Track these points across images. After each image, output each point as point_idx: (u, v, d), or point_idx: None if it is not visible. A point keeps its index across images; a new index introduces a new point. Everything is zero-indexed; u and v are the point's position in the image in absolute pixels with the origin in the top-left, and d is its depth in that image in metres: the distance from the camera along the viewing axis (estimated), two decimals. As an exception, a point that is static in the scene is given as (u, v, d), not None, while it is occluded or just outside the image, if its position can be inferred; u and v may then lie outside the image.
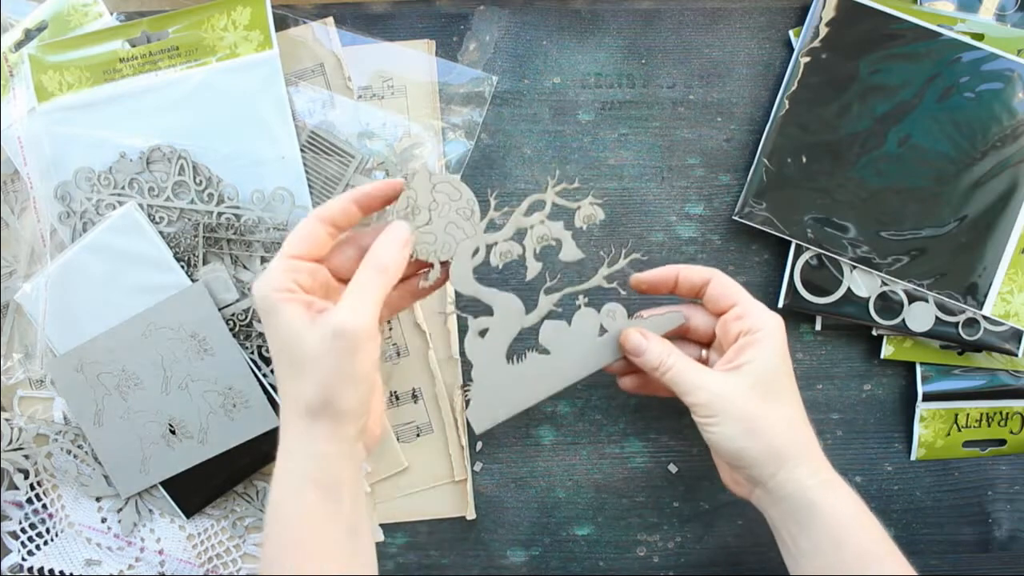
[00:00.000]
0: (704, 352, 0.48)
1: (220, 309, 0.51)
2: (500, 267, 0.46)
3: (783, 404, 0.43)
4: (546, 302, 0.47)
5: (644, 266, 0.49)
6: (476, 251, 0.45)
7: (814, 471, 0.42)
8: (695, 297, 0.47)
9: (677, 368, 0.44)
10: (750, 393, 0.42)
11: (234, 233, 0.51)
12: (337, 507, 0.38)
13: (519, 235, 0.46)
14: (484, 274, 0.46)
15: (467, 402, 0.47)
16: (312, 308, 0.39)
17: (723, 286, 0.45)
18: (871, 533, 0.41)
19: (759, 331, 0.43)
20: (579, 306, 0.47)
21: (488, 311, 0.47)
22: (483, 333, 0.46)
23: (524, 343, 0.47)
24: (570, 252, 0.47)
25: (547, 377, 0.47)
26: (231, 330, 0.51)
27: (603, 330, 0.47)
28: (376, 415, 0.43)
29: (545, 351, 0.47)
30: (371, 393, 0.40)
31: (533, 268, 0.47)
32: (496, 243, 0.46)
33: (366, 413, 0.40)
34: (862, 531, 0.41)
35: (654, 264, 0.48)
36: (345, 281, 0.41)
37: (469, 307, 0.48)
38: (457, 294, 0.47)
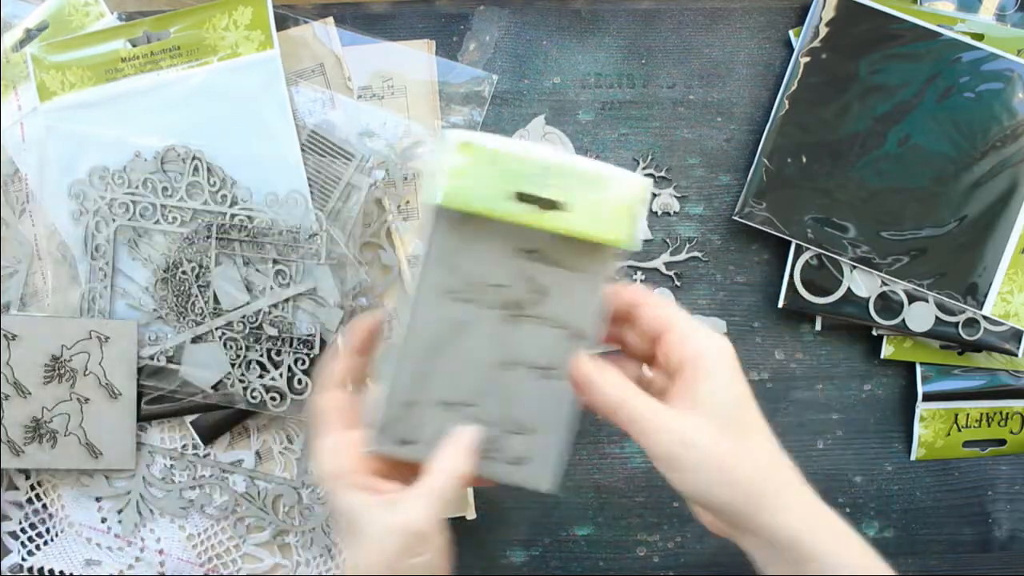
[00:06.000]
0: (646, 369, 0.42)
1: (229, 312, 0.51)
2: None
3: (755, 439, 0.37)
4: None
5: (706, 265, 0.51)
6: None
7: (801, 516, 0.37)
8: (624, 323, 0.42)
9: (633, 408, 0.37)
10: (713, 436, 0.36)
11: (246, 235, 0.51)
12: None
13: None
14: None
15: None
16: (373, 489, 0.39)
17: (653, 309, 0.40)
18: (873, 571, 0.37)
19: (706, 359, 0.37)
20: (635, 280, 0.47)
21: None
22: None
23: None
24: (642, 230, 0.46)
25: None
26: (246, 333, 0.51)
27: None
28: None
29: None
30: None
31: None
32: None
33: None
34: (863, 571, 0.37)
35: (714, 263, 0.50)
36: None
37: None
38: None
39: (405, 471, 0.40)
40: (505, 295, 0.41)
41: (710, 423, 0.36)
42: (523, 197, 0.38)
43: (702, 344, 0.38)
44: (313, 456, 0.40)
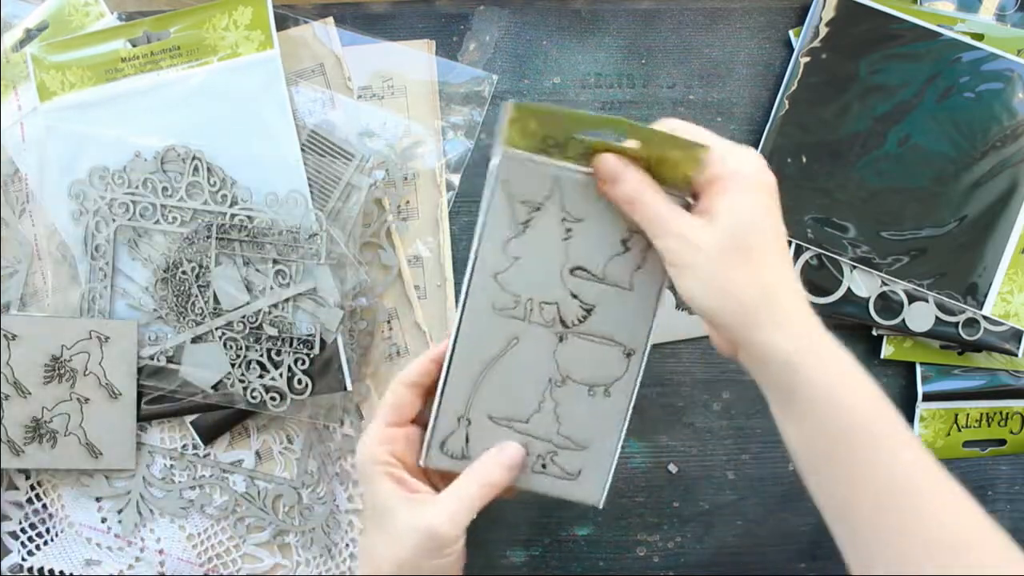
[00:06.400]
0: (691, 200, 0.40)
1: (229, 312, 0.51)
2: None
3: (761, 267, 0.36)
4: None
5: None
6: None
7: (795, 336, 0.36)
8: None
9: (650, 205, 0.37)
10: (722, 247, 0.36)
11: (247, 235, 0.51)
12: None
13: None
14: None
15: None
16: (404, 485, 0.40)
17: (694, 132, 0.39)
18: (860, 393, 0.36)
19: (737, 178, 0.37)
20: None
21: None
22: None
23: None
24: None
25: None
26: (241, 331, 0.51)
27: None
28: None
29: None
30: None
31: None
32: None
33: None
34: (849, 392, 0.36)
35: None
36: None
37: None
38: None
39: (437, 478, 0.42)
40: (554, 312, 0.42)
41: (723, 234, 0.36)
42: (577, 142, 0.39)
43: (740, 164, 0.38)
44: (360, 440, 0.41)
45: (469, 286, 0.41)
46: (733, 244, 0.36)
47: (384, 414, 0.41)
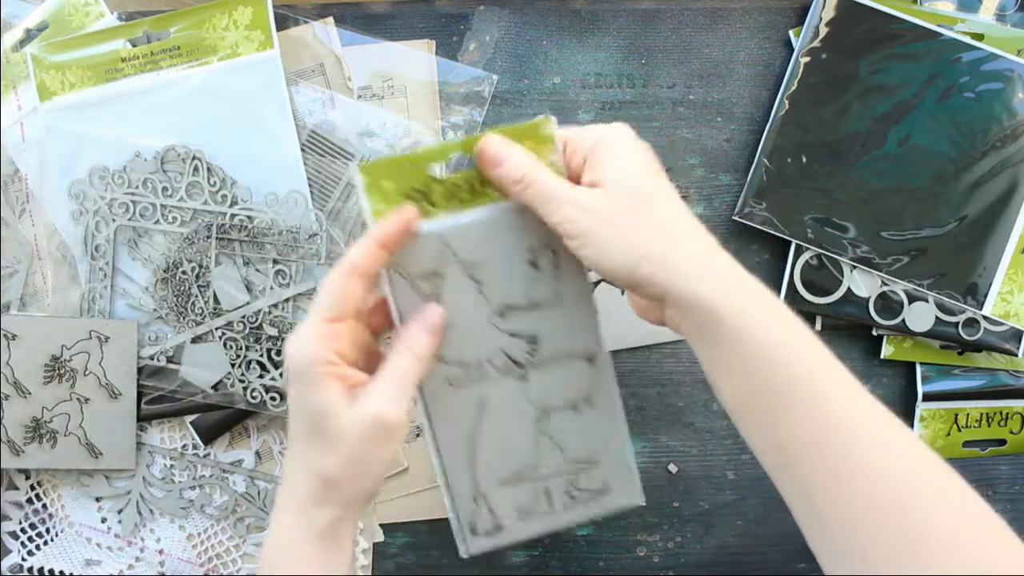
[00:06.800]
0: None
1: (229, 312, 0.51)
2: None
3: (654, 218, 0.37)
4: None
5: None
6: None
7: (705, 279, 0.36)
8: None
9: (539, 180, 0.38)
10: (614, 207, 0.37)
11: (247, 235, 0.51)
12: (338, 556, 0.39)
13: None
14: None
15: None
16: (349, 383, 0.38)
17: (571, 139, 0.40)
18: (786, 330, 0.35)
19: (603, 141, 0.38)
20: None
21: None
22: None
23: None
24: None
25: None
26: (244, 330, 0.51)
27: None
28: None
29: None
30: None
31: None
32: None
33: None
34: (776, 331, 0.35)
35: None
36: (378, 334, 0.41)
37: None
38: None
39: (373, 363, 0.40)
40: (503, 359, 0.41)
41: (609, 193, 0.37)
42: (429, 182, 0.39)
43: (600, 131, 0.39)
44: (292, 336, 0.38)
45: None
46: (623, 202, 0.37)
47: (324, 309, 0.38)
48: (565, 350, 0.42)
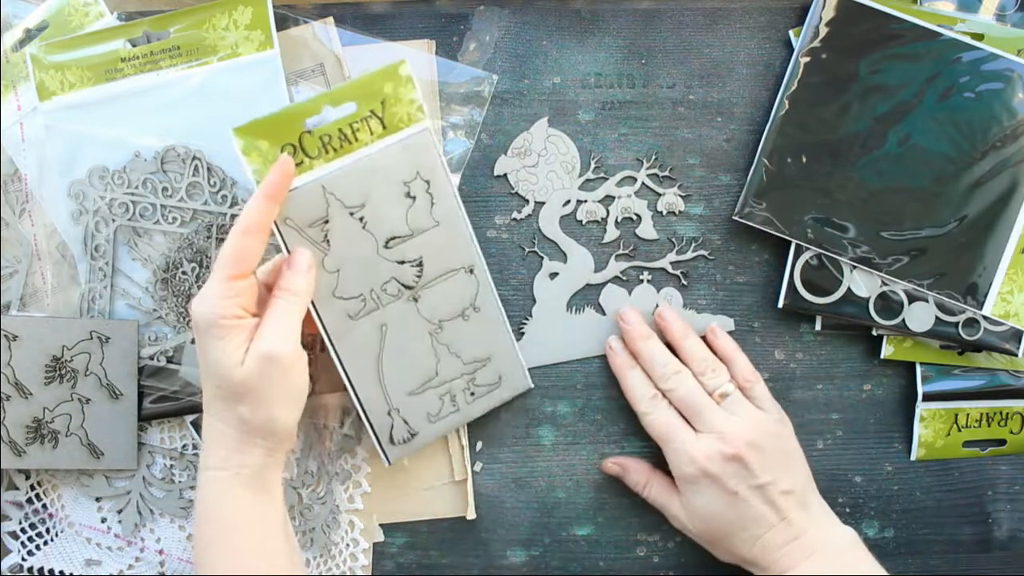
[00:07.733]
0: None
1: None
2: (584, 223, 0.53)
3: (728, 536, 0.48)
4: (614, 267, 0.52)
5: (706, 265, 0.54)
6: (567, 202, 0.51)
7: (796, 561, 0.45)
8: None
9: (653, 494, 0.51)
10: (701, 529, 0.49)
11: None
12: (271, 504, 0.42)
13: (607, 201, 0.53)
14: (567, 225, 0.53)
15: (521, 334, 0.52)
16: (251, 332, 0.41)
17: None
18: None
19: (684, 479, 0.48)
20: (642, 280, 0.53)
21: (562, 258, 0.52)
22: (553, 276, 0.51)
23: (585, 299, 0.53)
24: (647, 230, 0.52)
25: (596, 336, 0.52)
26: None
27: (656, 309, 0.52)
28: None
29: (602, 311, 0.52)
30: (302, 409, 0.43)
31: (612, 233, 0.53)
32: (586, 201, 0.52)
33: (296, 427, 0.43)
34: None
35: (714, 263, 0.54)
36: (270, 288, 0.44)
37: (547, 249, 0.53)
38: (539, 233, 0.52)
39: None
40: (395, 285, 0.46)
41: (694, 525, 0.49)
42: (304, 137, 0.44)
43: (679, 468, 0.49)
44: (197, 296, 0.42)
45: (319, 316, 0.45)
46: (707, 531, 0.49)
47: (225, 267, 0.41)
48: (448, 266, 0.47)
